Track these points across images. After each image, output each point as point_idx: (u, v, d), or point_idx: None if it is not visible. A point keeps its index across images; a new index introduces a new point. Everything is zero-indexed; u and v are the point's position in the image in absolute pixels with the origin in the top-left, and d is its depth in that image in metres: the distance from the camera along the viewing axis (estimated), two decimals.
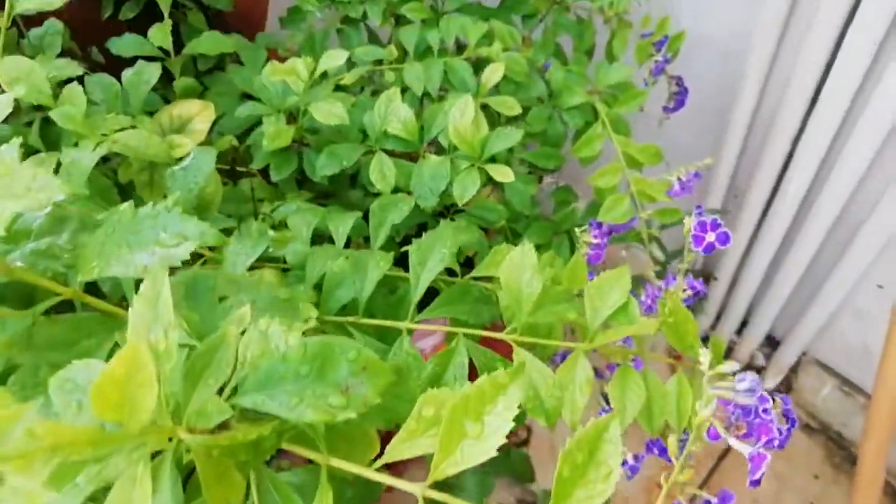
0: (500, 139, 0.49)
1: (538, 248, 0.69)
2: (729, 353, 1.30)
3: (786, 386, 1.25)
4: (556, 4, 0.75)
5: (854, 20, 0.77)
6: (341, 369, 0.26)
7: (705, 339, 1.33)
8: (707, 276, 1.24)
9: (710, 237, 0.40)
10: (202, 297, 0.32)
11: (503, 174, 0.48)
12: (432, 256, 0.37)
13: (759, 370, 1.27)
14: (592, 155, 0.64)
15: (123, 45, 0.58)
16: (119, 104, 0.49)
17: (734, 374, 0.34)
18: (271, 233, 0.41)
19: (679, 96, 0.81)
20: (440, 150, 0.51)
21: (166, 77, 0.60)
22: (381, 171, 0.48)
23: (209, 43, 0.58)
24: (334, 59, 0.49)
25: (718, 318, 1.29)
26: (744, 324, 1.26)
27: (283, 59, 0.74)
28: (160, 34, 0.55)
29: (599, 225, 0.64)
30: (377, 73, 0.65)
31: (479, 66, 0.67)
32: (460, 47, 0.70)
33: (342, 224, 0.43)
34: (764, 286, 1.16)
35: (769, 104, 0.96)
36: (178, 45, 0.67)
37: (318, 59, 0.50)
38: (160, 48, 0.57)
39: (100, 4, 0.63)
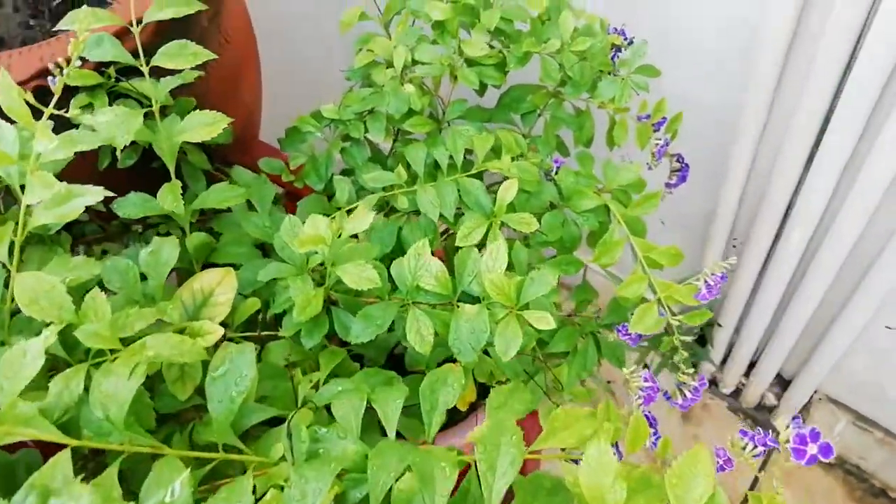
0: (535, 285, 0.48)
1: (565, 354, 0.68)
2: (737, 396, 1.30)
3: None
4: (554, 98, 0.74)
5: (852, 71, 0.77)
6: None
7: (711, 383, 1.34)
8: (711, 322, 1.24)
9: (812, 449, 0.40)
10: None
11: (543, 322, 0.47)
12: (500, 459, 0.35)
13: (771, 409, 1.27)
14: (612, 262, 0.64)
15: (130, 207, 0.55)
16: (138, 289, 0.47)
17: None
18: (323, 431, 0.39)
19: (681, 172, 0.81)
20: (473, 297, 0.50)
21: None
22: (419, 332, 0.47)
23: (217, 197, 0.56)
24: (360, 221, 0.48)
25: (725, 361, 1.29)
26: (752, 365, 1.26)
27: (288, 185, 0.73)
28: (170, 197, 0.53)
29: (629, 332, 0.64)
30: (389, 198, 0.64)
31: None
32: (467, 151, 0.69)
33: (390, 405, 0.42)
34: (771, 329, 1.16)
35: (766, 156, 0.97)
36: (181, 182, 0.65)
37: (342, 220, 0.49)
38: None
39: (96, 155, 0.61)
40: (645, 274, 0.61)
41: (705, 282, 0.60)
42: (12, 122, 0.44)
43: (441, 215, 0.62)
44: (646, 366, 1.15)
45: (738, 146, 0.95)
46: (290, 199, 0.76)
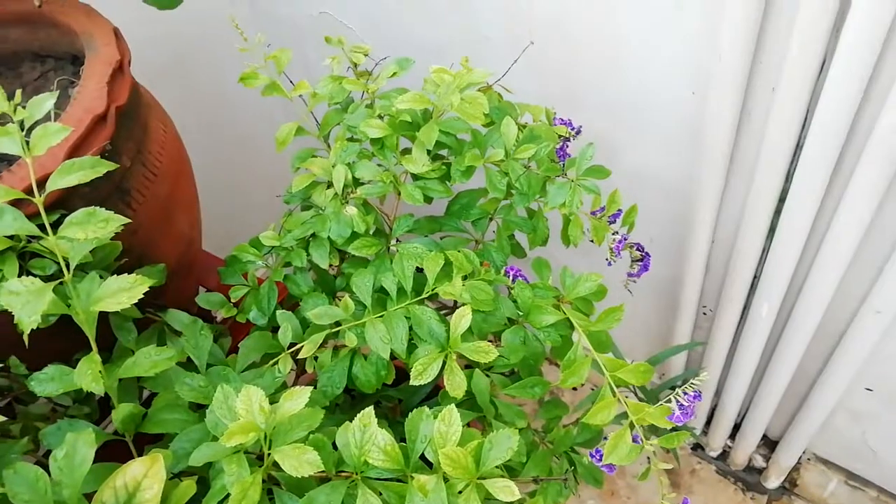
0: (494, 449, 0.44)
1: (537, 480, 0.64)
2: (725, 458, 1.27)
3: (791, 483, 1.22)
4: (505, 200, 0.71)
5: (807, 138, 0.74)
6: None
7: (697, 447, 1.30)
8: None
9: None
10: None
11: (507, 492, 0.43)
12: None
13: (761, 471, 1.24)
14: (580, 382, 0.60)
15: (47, 383, 0.50)
16: (51, 499, 0.41)
17: None
18: None
19: (643, 262, 0.78)
20: (427, 465, 0.46)
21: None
22: None
23: (145, 364, 0.51)
24: (297, 400, 0.43)
25: (709, 423, 1.26)
26: (737, 427, 1.22)
27: (226, 321, 0.68)
28: (90, 374, 0.48)
29: (601, 458, 0.60)
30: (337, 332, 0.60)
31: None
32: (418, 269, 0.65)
33: None
34: (751, 392, 1.14)
35: (727, 226, 0.95)
36: (107, 335, 0.60)
37: (286, 364, 0.45)
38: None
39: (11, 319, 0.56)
40: (614, 397, 0.57)
41: (678, 402, 0.57)
42: None
43: (391, 351, 0.58)
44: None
45: (698, 218, 0.93)
46: (234, 329, 0.72)
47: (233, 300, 0.67)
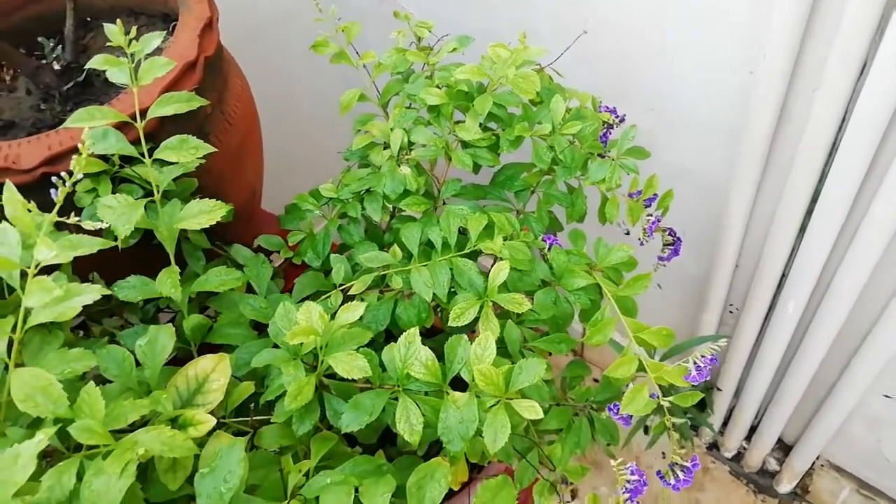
0: (525, 374, 0.49)
1: (558, 431, 0.69)
2: (739, 459, 1.29)
3: (803, 489, 1.24)
4: (547, 176, 0.76)
5: (840, 144, 0.78)
6: None
7: (713, 446, 1.32)
8: (710, 387, 1.24)
9: None
10: None
11: (532, 411, 0.48)
12: None
13: (773, 475, 1.26)
14: (604, 341, 0.64)
15: (129, 290, 0.57)
16: (134, 377, 0.48)
17: None
18: None
19: (673, 246, 0.82)
20: (463, 383, 0.51)
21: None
22: (409, 421, 0.48)
23: (216, 281, 0.57)
24: (353, 312, 0.49)
25: (725, 424, 1.28)
26: (753, 430, 1.25)
27: (284, 263, 0.74)
28: (169, 283, 0.54)
29: (618, 411, 0.64)
30: (385, 276, 0.65)
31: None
32: (461, 230, 0.70)
33: (378, 499, 0.42)
34: (770, 393, 1.16)
35: (759, 224, 0.98)
36: (180, 260, 0.67)
37: (337, 299, 0.50)
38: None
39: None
40: (635, 355, 0.62)
41: (695, 364, 0.61)
42: None
43: (434, 295, 0.63)
44: (646, 429, 1.15)
45: (731, 216, 0.96)
46: (288, 273, 0.78)
47: (290, 244, 0.73)
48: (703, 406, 1.26)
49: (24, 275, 0.42)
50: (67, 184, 0.40)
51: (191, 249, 0.66)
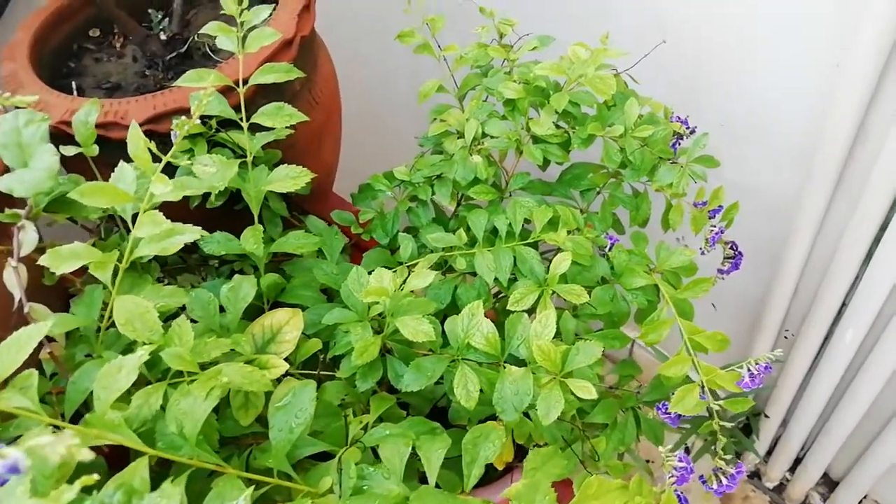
0: (581, 355, 0.51)
1: (604, 426, 0.70)
2: (781, 491, 1.26)
3: None
4: (613, 178, 0.78)
5: None
6: None
7: (755, 475, 1.30)
8: (757, 413, 1.22)
9: None
10: None
11: (585, 391, 0.49)
12: None
13: None
14: (658, 340, 0.65)
15: (214, 244, 0.61)
16: (217, 320, 0.51)
17: None
18: (370, 470, 0.42)
19: (734, 260, 0.82)
20: (519, 361, 0.53)
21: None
22: (466, 387, 0.50)
23: (293, 243, 0.61)
24: (422, 279, 0.52)
25: (770, 453, 1.26)
26: (798, 461, 1.22)
27: (355, 237, 0.78)
28: (252, 239, 0.58)
29: (668, 411, 0.65)
30: (448, 258, 0.68)
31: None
32: (526, 222, 0.72)
33: (434, 453, 0.44)
34: (820, 425, 1.14)
35: (822, 251, 0.97)
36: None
37: (406, 267, 0.53)
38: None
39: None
40: (689, 356, 0.63)
41: (749, 370, 0.61)
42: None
43: (496, 279, 0.66)
44: (687, 450, 1.15)
45: (795, 239, 0.96)
46: (355, 250, 0.81)
47: (361, 221, 0.76)
48: (748, 431, 1.24)
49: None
50: (179, 134, 0.44)
51: (270, 216, 0.70)
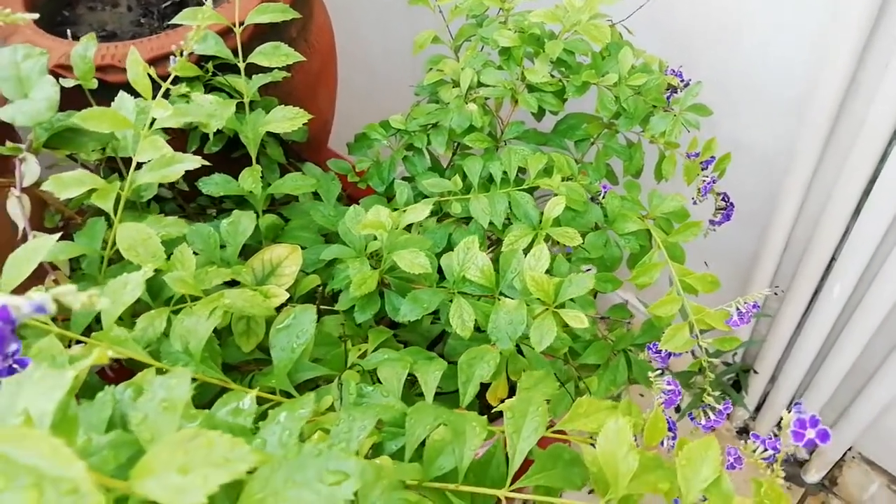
0: (573, 286, 0.52)
1: (597, 367, 0.71)
2: None
3: (830, 481, 1.23)
4: (607, 129, 0.79)
5: None
6: None
7: (743, 431, 1.33)
8: (746, 368, 1.25)
9: (811, 433, 0.42)
10: None
11: (577, 320, 0.51)
12: (526, 424, 0.39)
13: (802, 464, 1.26)
14: (649, 282, 0.67)
15: (213, 186, 0.62)
16: (217, 253, 0.52)
17: None
18: (369, 389, 0.44)
19: (726, 211, 0.83)
20: (514, 291, 0.54)
21: None
22: (461, 318, 0.51)
23: (291, 184, 0.62)
24: (417, 213, 0.53)
25: (758, 409, 1.29)
26: None
27: (351, 186, 0.79)
28: (251, 179, 0.59)
29: (659, 351, 0.66)
30: (444, 204, 0.69)
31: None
32: (520, 169, 0.73)
33: (430, 375, 0.46)
34: (807, 379, 1.16)
35: (813, 208, 0.98)
36: None
37: (402, 210, 0.54)
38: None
39: (186, 138, 0.68)
40: (679, 296, 0.64)
41: (737, 309, 0.63)
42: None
43: (491, 223, 0.67)
44: (677, 408, 1.16)
45: (787, 194, 0.97)
46: (350, 202, 0.82)
47: (358, 170, 0.77)
48: (738, 387, 1.27)
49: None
50: (178, 60, 0.45)
51: (268, 162, 0.71)
